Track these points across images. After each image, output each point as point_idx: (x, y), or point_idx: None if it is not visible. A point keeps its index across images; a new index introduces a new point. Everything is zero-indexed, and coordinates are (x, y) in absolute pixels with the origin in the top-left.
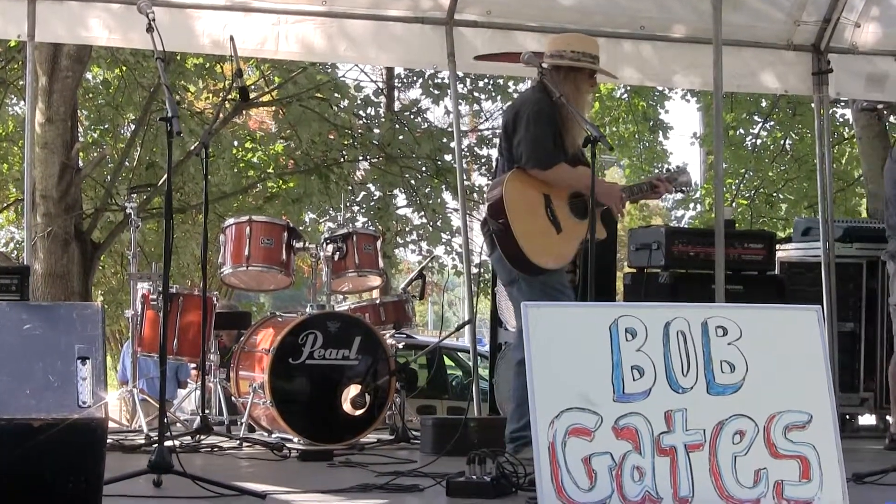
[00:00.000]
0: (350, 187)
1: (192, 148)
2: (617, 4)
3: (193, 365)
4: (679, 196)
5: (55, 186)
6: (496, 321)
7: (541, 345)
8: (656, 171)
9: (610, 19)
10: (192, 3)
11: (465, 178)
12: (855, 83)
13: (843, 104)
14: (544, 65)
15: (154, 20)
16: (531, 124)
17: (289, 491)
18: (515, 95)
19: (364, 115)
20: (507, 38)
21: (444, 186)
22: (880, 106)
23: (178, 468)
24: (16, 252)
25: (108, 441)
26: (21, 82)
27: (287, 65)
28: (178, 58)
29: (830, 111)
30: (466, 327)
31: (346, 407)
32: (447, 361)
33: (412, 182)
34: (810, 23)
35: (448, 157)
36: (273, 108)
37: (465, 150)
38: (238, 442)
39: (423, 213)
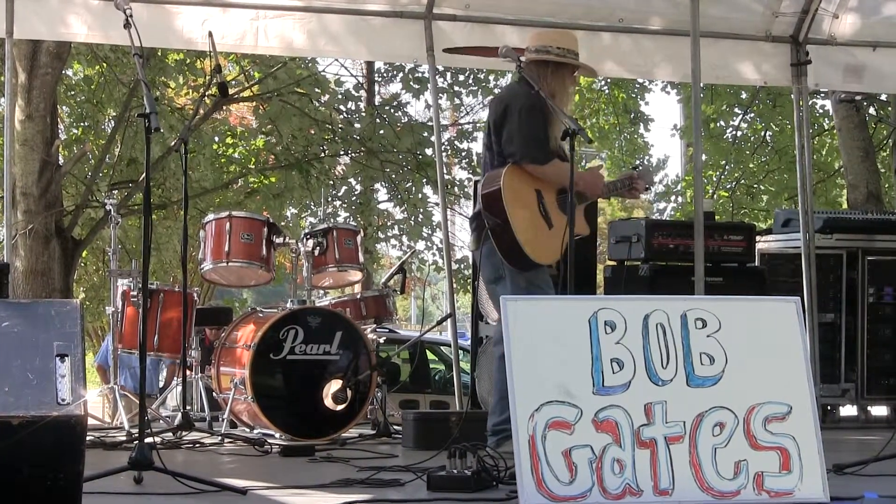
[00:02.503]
0: (331, 182)
1: (172, 144)
2: None
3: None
4: (660, 189)
5: (35, 183)
6: (477, 315)
7: (520, 338)
8: (637, 162)
9: (588, 12)
10: None
11: (445, 172)
12: (833, 74)
13: (822, 95)
14: (525, 59)
15: (132, 16)
16: (525, 119)
17: (270, 486)
18: (496, 90)
19: (344, 109)
20: (486, 32)
21: (424, 180)
22: (859, 97)
23: (159, 465)
24: None
25: (89, 438)
26: (0, 79)
27: (267, 60)
28: (159, 53)
29: (810, 102)
30: (448, 321)
31: (328, 402)
32: (429, 356)
33: (393, 176)
34: (788, 14)
35: (429, 151)
36: (253, 103)
37: (446, 143)
38: (219, 438)
39: (403, 207)
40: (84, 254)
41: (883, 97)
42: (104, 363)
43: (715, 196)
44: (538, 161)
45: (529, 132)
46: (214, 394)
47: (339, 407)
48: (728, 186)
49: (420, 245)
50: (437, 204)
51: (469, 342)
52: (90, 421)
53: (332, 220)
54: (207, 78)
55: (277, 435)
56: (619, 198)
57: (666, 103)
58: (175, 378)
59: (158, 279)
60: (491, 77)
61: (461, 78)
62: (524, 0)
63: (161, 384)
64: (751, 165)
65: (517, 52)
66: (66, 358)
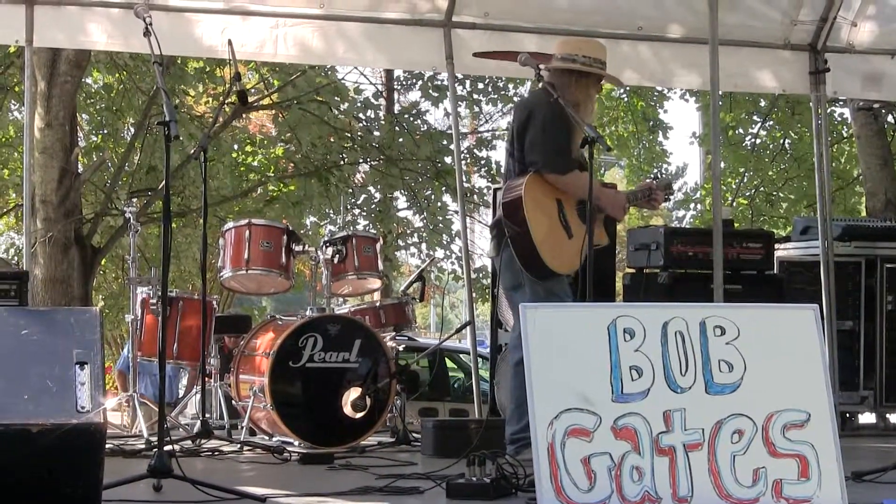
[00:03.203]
0: (350, 190)
1: (192, 152)
2: (614, 5)
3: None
4: (679, 196)
5: (55, 191)
6: (496, 323)
7: (539, 346)
8: (656, 170)
9: (607, 20)
10: (191, 6)
11: (464, 180)
12: (852, 82)
13: (840, 103)
14: (552, 66)
15: (151, 24)
16: (548, 127)
17: (289, 494)
18: (516, 98)
19: (363, 117)
20: (505, 40)
21: (443, 189)
22: (877, 105)
23: (178, 472)
24: (16, 258)
25: (108, 446)
26: (20, 87)
27: (286, 68)
28: (179, 62)
29: (828, 110)
30: (467, 329)
31: (347, 410)
32: (448, 363)
33: (412, 184)
34: (807, 22)
35: (448, 160)
36: (272, 111)
37: (465, 152)
38: (238, 446)
39: (423, 215)
40: (103, 262)
41: None
42: (125, 369)
43: (734, 204)
44: (559, 171)
45: (552, 141)
46: (233, 401)
47: (359, 415)
48: (747, 194)
49: (439, 253)
50: (456, 212)
51: (488, 350)
52: (109, 429)
53: (351, 228)
54: (227, 86)
55: (296, 443)
56: (638, 208)
57: (685, 111)
58: (194, 386)
59: (178, 287)
60: (510, 85)
61: (480, 86)
62: (543, 8)
63: (181, 392)
64: (770, 173)
65: (543, 58)
66: (85, 366)
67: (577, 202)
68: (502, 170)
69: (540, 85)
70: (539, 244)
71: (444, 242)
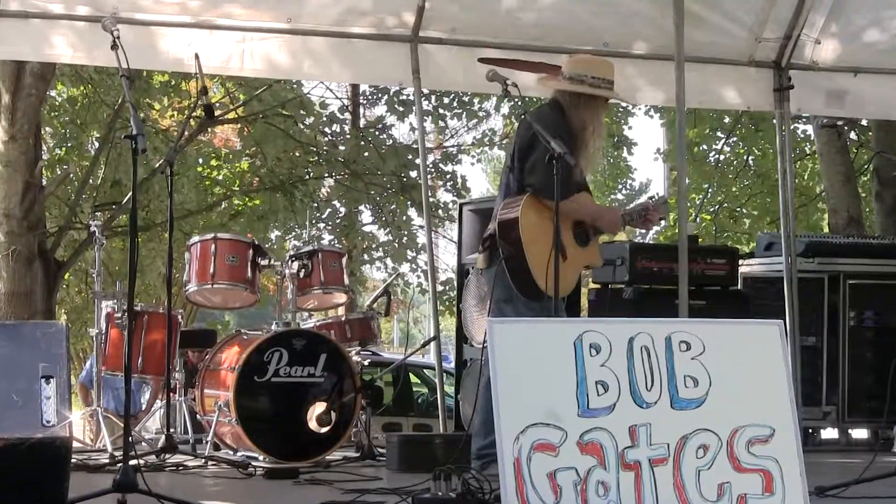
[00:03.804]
0: (315, 204)
1: (157, 165)
2: (579, 21)
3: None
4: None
5: (18, 205)
6: (462, 337)
7: (506, 360)
8: (620, 186)
9: (573, 36)
10: (157, 20)
11: (430, 194)
12: (815, 99)
13: (804, 120)
14: (560, 87)
15: (119, 38)
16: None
17: None
18: (481, 113)
19: (329, 131)
20: (472, 55)
21: (409, 203)
22: (840, 122)
23: (143, 487)
24: None
25: (73, 460)
26: None
27: (252, 82)
28: (144, 75)
29: (792, 127)
30: (432, 344)
31: (312, 424)
32: (413, 378)
33: (377, 199)
34: (771, 39)
35: (413, 174)
36: (238, 125)
37: (431, 166)
38: (203, 460)
39: (388, 229)
40: (66, 276)
41: (864, 122)
42: (88, 383)
43: (698, 219)
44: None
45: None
46: (198, 416)
47: (324, 429)
48: (711, 210)
49: (404, 268)
50: (421, 226)
51: (453, 365)
52: (74, 443)
53: (316, 243)
54: (193, 100)
55: (261, 457)
56: (632, 227)
57: (649, 127)
58: (158, 400)
59: (142, 301)
60: (476, 100)
61: (446, 101)
62: (510, 24)
63: (144, 406)
64: (733, 189)
65: (551, 70)
66: (51, 380)
67: (574, 224)
68: (500, 182)
69: (550, 100)
70: (533, 267)
71: (410, 257)
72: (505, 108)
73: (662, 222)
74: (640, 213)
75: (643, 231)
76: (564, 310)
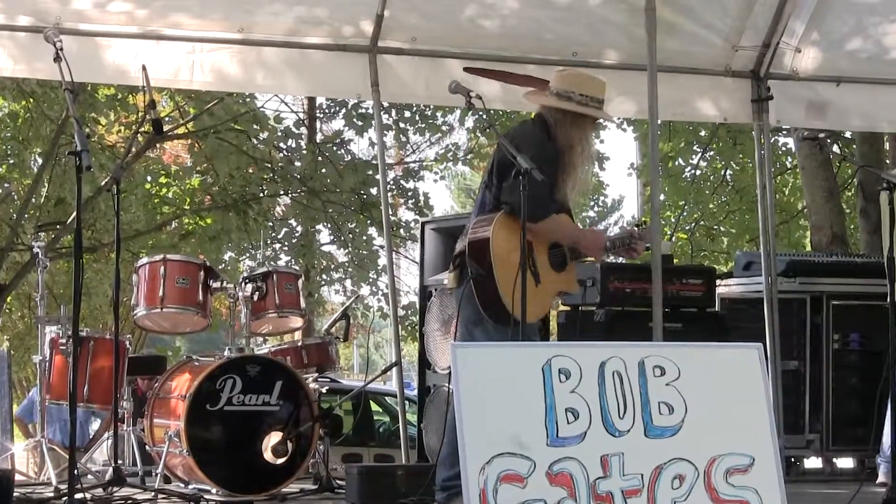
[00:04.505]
0: (270, 223)
1: (104, 183)
2: (546, 30)
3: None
4: (616, 230)
5: None
6: (425, 363)
7: (470, 387)
8: (592, 203)
9: (540, 46)
10: (102, 31)
11: (390, 213)
12: (796, 111)
13: (784, 133)
14: (547, 104)
15: (62, 49)
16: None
17: None
18: (444, 127)
19: (284, 147)
20: (435, 66)
21: (369, 222)
22: (822, 134)
23: None
24: None
25: (15, 494)
26: None
27: (203, 95)
28: (89, 88)
29: (772, 140)
30: (393, 370)
31: (267, 455)
32: (374, 406)
33: (336, 217)
34: (749, 48)
35: (373, 191)
36: (188, 140)
37: (391, 183)
38: (153, 494)
39: (347, 250)
40: (8, 299)
41: (847, 134)
42: (25, 416)
43: (673, 238)
44: (532, 218)
45: (530, 186)
46: (147, 447)
47: (280, 460)
48: (687, 228)
49: (365, 290)
50: (382, 247)
51: (415, 392)
52: (16, 476)
53: (271, 264)
54: (140, 114)
55: (214, 490)
56: (615, 255)
57: (622, 141)
58: (106, 431)
59: (88, 326)
60: (438, 113)
61: (407, 114)
62: (473, 34)
63: (92, 437)
64: (710, 206)
65: (539, 84)
66: None
67: (549, 246)
68: (476, 200)
69: (534, 117)
70: (502, 289)
71: (370, 279)
72: (469, 122)
73: (647, 251)
74: (625, 241)
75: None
76: (538, 336)
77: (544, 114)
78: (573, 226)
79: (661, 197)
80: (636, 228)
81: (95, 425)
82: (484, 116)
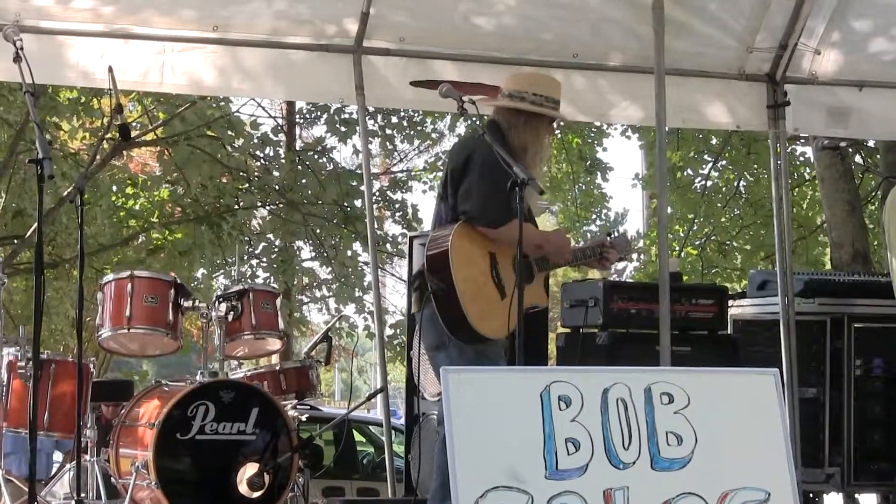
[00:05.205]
0: (246, 238)
1: (66, 194)
2: (546, 29)
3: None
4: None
5: None
6: (413, 389)
7: (463, 415)
8: (594, 216)
9: (538, 46)
10: (66, 29)
11: (376, 226)
12: (815, 117)
13: (802, 141)
14: (498, 104)
15: (22, 49)
16: (486, 174)
17: None
18: (434, 134)
19: (261, 155)
20: (424, 68)
21: (353, 236)
22: (843, 143)
23: None
24: None
25: None
26: None
27: (173, 99)
28: (50, 91)
29: (789, 149)
30: (379, 396)
31: (242, 488)
32: (357, 436)
33: (317, 231)
34: (764, 49)
35: (357, 203)
36: (157, 148)
37: (377, 194)
38: None
39: (329, 266)
40: None
41: (870, 143)
42: None
43: (682, 254)
44: (493, 223)
45: (487, 190)
46: (112, 479)
47: (256, 494)
48: (697, 243)
49: (349, 309)
50: (367, 263)
51: (402, 421)
52: None
53: (247, 281)
54: (106, 119)
55: None
56: (586, 268)
57: (626, 150)
58: (68, 461)
59: (49, 348)
60: (428, 120)
61: (394, 120)
62: (467, 33)
63: (55, 468)
64: (722, 220)
65: (492, 90)
66: None
67: (514, 256)
68: (432, 216)
69: (486, 123)
70: (466, 305)
71: (354, 297)
72: (461, 129)
73: (623, 263)
74: (595, 251)
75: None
76: (503, 353)
77: (497, 118)
78: (536, 230)
79: (669, 210)
80: (608, 237)
81: (58, 455)
82: (477, 122)
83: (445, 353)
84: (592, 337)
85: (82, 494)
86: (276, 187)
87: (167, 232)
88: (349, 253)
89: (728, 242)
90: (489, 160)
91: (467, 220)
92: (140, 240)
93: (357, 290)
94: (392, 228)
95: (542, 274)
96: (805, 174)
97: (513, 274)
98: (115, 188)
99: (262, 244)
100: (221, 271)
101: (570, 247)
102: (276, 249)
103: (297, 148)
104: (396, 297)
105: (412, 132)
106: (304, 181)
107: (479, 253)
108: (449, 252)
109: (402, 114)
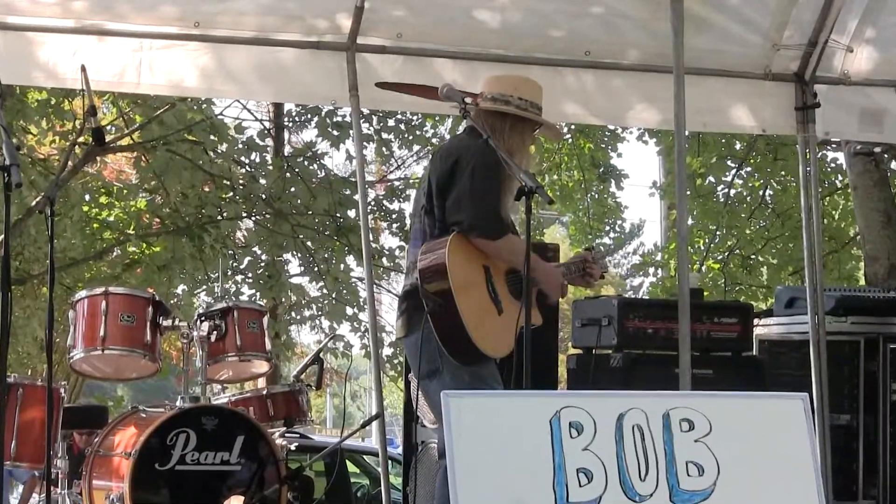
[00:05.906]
0: (230, 251)
1: (34, 203)
2: (555, 25)
3: (36, 473)
4: (636, 259)
5: None
6: (411, 416)
7: (466, 443)
8: (608, 228)
9: (546, 44)
10: (34, 24)
11: (371, 238)
12: (847, 120)
13: (833, 146)
14: (483, 107)
15: None
16: (477, 182)
17: None
18: (435, 140)
19: (247, 161)
20: (422, 67)
21: (346, 249)
22: (878, 149)
23: None
24: None
25: None
26: None
27: (151, 101)
28: (18, 92)
29: (819, 154)
30: (374, 424)
31: None
32: (351, 467)
33: (307, 244)
34: (792, 47)
35: (351, 213)
36: (134, 153)
37: (372, 204)
38: None
39: (321, 282)
40: None
41: None
42: None
43: (703, 269)
44: (490, 235)
45: (482, 199)
46: None
47: None
48: (719, 257)
49: (342, 328)
50: (361, 279)
51: (400, 450)
52: None
53: (232, 299)
54: (78, 122)
55: None
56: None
57: (643, 156)
58: (35, 494)
59: (15, 371)
60: (428, 123)
61: (391, 123)
62: (468, 29)
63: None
64: (747, 231)
65: (469, 96)
66: None
67: (506, 271)
68: (411, 232)
69: (467, 128)
70: (468, 321)
71: (348, 315)
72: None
73: (603, 279)
74: (579, 268)
75: (634, 284)
76: (498, 375)
77: (477, 125)
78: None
79: (690, 221)
80: (589, 252)
81: (19, 488)
82: (480, 130)
83: (438, 381)
84: (606, 358)
85: None
86: (263, 196)
87: (144, 245)
88: (342, 267)
89: (753, 256)
90: (480, 166)
91: (460, 232)
92: (115, 253)
93: (350, 308)
94: (388, 241)
95: (535, 290)
96: (836, 182)
97: (506, 289)
98: (87, 197)
99: (248, 258)
100: (203, 288)
101: (559, 277)
102: (262, 264)
103: (286, 154)
104: (393, 315)
105: (410, 136)
106: (292, 189)
107: (473, 265)
108: (447, 264)
109: (400, 116)
